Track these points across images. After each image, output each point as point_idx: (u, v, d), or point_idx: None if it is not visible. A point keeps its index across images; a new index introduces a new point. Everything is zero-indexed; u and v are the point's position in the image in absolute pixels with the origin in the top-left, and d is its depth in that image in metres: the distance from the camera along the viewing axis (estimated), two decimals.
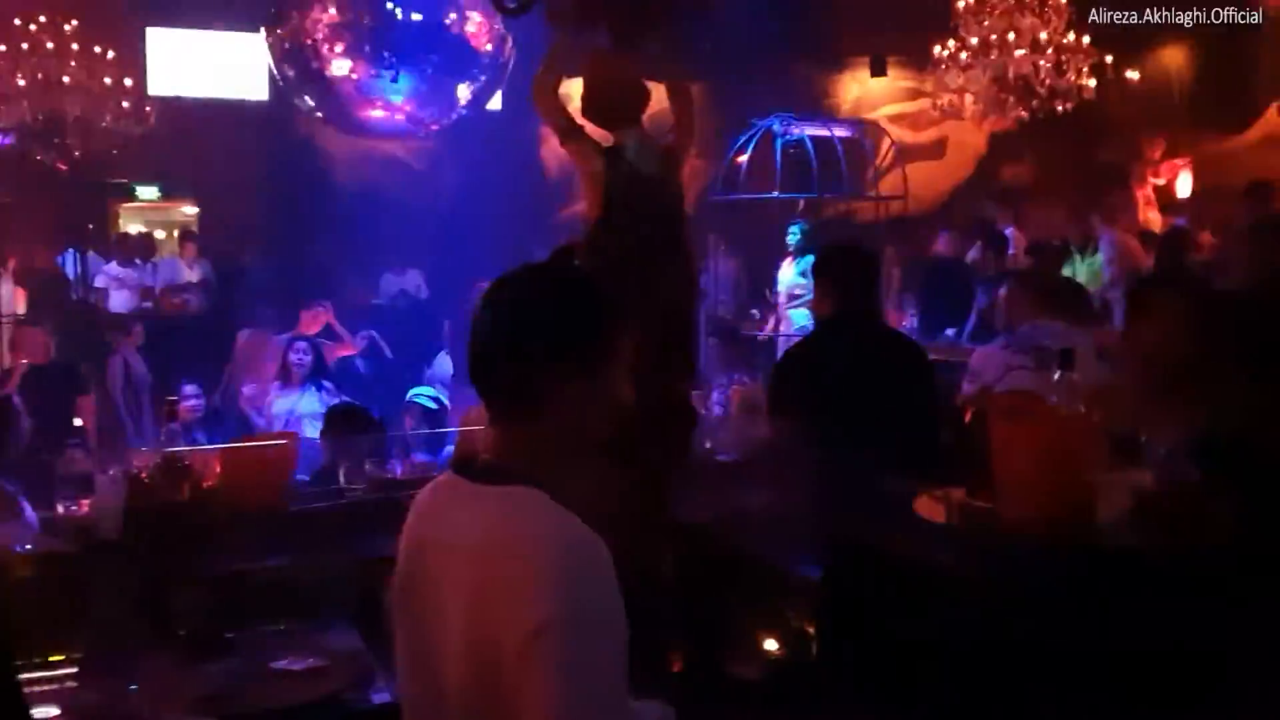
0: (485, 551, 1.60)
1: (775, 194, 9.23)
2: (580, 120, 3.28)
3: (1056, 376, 2.85)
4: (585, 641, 1.50)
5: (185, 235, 11.45)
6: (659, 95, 3.29)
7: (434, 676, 1.67)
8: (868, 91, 12.57)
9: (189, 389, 6.80)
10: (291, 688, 2.61)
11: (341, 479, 3.95)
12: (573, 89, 3.32)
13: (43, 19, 10.38)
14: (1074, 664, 2.50)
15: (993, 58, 9.43)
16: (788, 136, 9.18)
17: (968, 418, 3.41)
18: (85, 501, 3.27)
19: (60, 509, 3.29)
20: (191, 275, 10.56)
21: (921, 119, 12.27)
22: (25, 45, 10.29)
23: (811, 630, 2.87)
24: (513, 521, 1.61)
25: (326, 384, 7.12)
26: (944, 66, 9.81)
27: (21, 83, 10.21)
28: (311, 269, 11.10)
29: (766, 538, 3.30)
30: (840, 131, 9.95)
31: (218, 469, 3.56)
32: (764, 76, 11.12)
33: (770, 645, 2.91)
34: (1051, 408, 2.86)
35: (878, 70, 12.14)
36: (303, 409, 6.85)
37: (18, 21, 10.33)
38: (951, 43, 9.73)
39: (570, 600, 1.51)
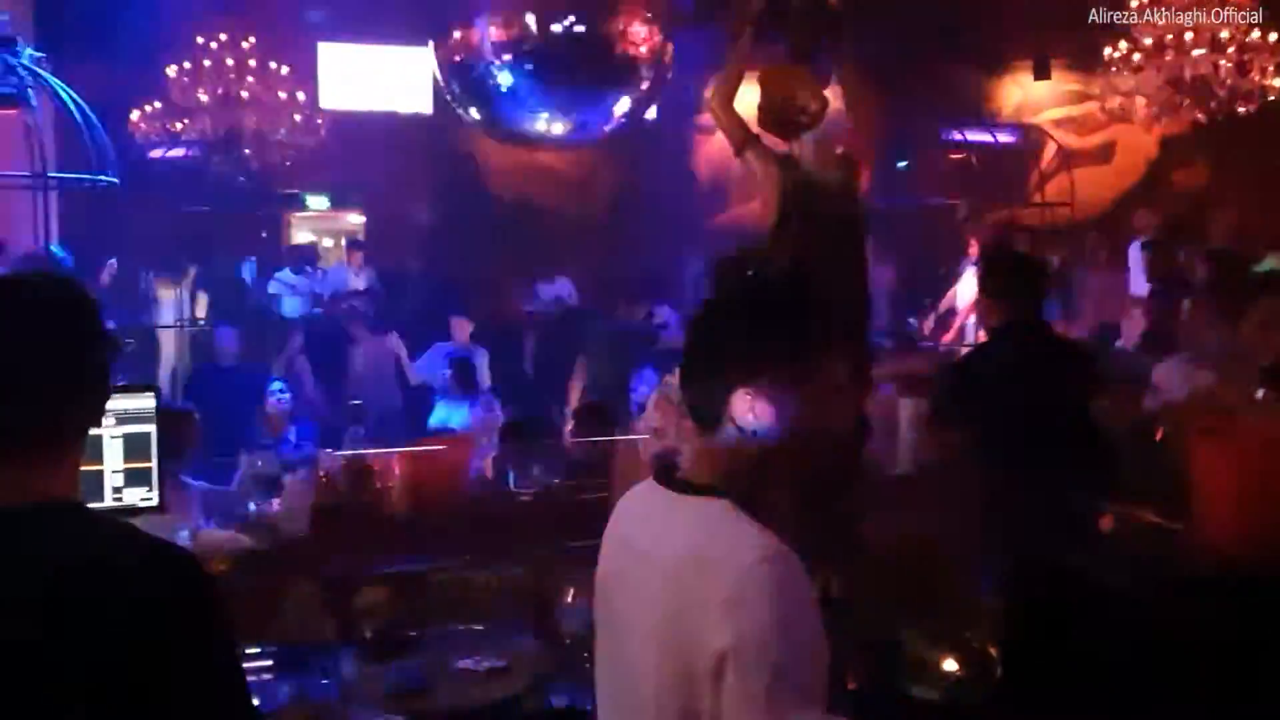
0: (681, 564, 1.60)
1: (936, 200, 9.05)
2: (755, 129, 3.27)
3: (1260, 394, 2.71)
4: (777, 663, 1.48)
5: (352, 244, 11.84)
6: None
7: (630, 680, 1.68)
8: (1030, 95, 12.20)
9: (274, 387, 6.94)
10: (474, 687, 2.67)
11: (511, 483, 4.04)
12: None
13: (223, 36, 10.91)
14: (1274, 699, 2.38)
15: (1168, 58, 9.02)
16: (949, 141, 8.98)
17: (1159, 435, 3.27)
18: (276, 500, 3.42)
19: (252, 507, 3.45)
20: (358, 283, 10.91)
21: (1088, 122, 11.83)
22: (206, 62, 10.84)
23: (994, 651, 2.79)
24: (709, 536, 1.60)
25: (482, 398, 7.31)
26: (1114, 68, 9.43)
27: (203, 98, 10.75)
28: (470, 276, 11.37)
29: (943, 554, 3.23)
30: (1003, 136, 9.68)
31: (396, 471, 3.68)
32: (924, 80, 10.90)
33: (950, 666, 2.84)
34: (1255, 426, 2.73)
35: (1041, 73, 11.76)
36: (454, 422, 7.04)
37: (200, 40, 10.88)
38: (1123, 43, 9.34)
39: (762, 620, 1.49)
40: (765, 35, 3.26)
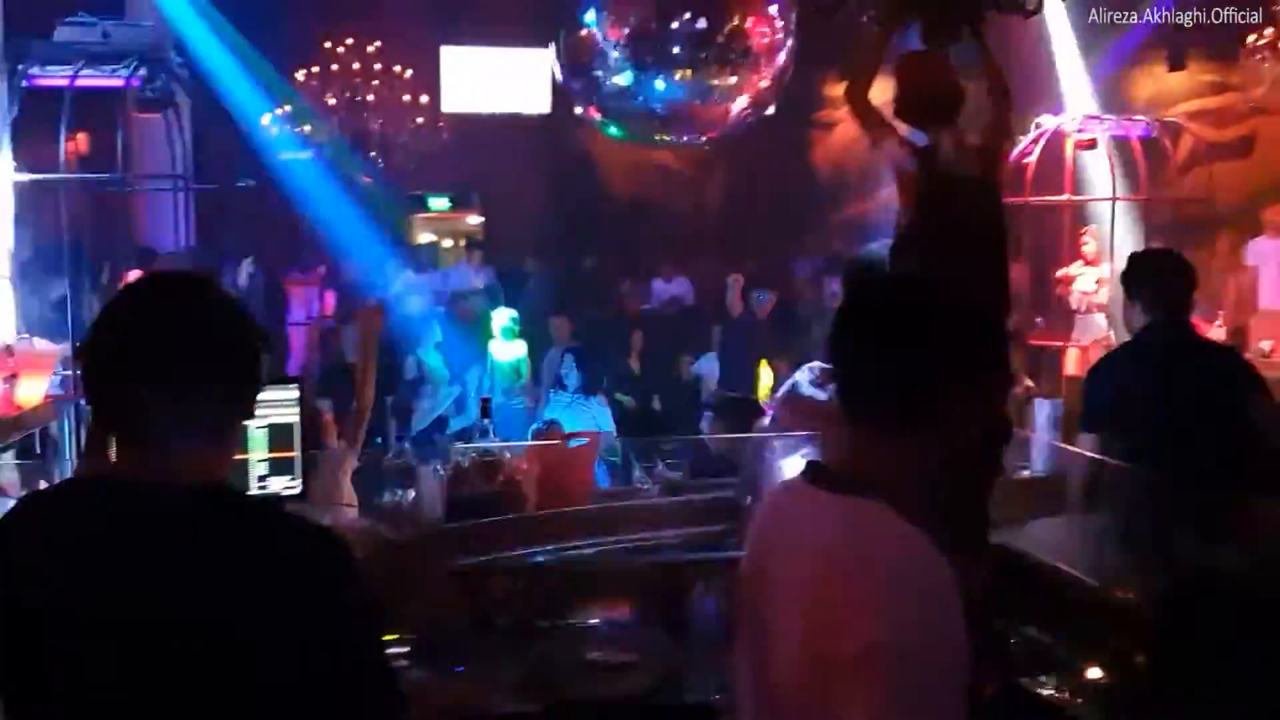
0: (827, 562, 1.57)
1: (1067, 196, 8.78)
2: (891, 120, 3.20)
3: None
4: (919, 664, 1.44)
5: (471, 244, 12.06)
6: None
7: (769, 677, 1.66)
8: (1164, 87, 11.74)
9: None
10: (606, 680, 2.67)
11: (636, 479, 4.05)
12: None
13: (349, 41, 11.19)
14: None
15: None
16: (1080, 136, 8.70)
17: None
18: (410, 491, 3.49)
19: (387, 497, 3.52)
20: (477, 281, 11.09)
21: (1226, 115, 11.34)
22: (334, 66, 11.13)
23: (1141, 659, 2.68)
24: (859, 534, 1.57)
25: (596, 398, 7.35)
26: (1259, 57, 9.03)
27: (331, 101, 11.05)
28: (586, 275, 11.45)
29: (1085, 557, 3.13)
30: (1136, 130, 9.34)
31: (525, 465, 3.71)
32: (1052, 72, 10.58)
33: (1095, 673, 2.75)
34: None
35: (1175, 64, 11.31)
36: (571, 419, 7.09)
37: (327, 45, 11.18)
38: (1269, 30, 8.93)
39: (908, 620, 1.45)
40: (900, 24, 3.18)
